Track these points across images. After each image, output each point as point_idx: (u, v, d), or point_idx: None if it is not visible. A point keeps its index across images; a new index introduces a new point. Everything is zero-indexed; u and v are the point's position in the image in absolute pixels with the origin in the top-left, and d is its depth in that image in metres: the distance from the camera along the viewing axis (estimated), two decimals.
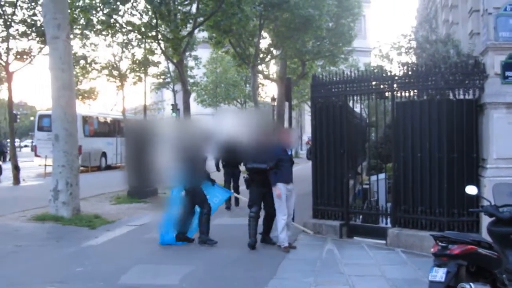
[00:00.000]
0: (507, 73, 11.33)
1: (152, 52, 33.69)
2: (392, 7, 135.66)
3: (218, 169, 17.11)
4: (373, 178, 15.30)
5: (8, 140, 33.56)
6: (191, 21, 25.31)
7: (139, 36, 29.23)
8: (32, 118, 68.37)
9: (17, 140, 63.41)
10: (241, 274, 9.74)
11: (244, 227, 11.91)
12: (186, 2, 25.19)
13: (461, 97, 11.70)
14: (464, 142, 11.53)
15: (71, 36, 20.69)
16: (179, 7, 25.18)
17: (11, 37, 25.34)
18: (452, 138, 11.52)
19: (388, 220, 12.88)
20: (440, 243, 6.65)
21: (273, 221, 12.02)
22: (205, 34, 30.60)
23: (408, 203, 12.09)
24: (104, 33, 29.77)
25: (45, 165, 29.18)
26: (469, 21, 14.42)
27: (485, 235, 8.01)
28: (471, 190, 8.17)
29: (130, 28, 26.90)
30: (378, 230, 12.78)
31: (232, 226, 13.81)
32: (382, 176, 15.25)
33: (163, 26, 25.84)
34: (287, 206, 11.61)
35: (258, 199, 11.79)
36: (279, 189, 11.47)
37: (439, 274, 6.47)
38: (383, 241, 12.30)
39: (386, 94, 12.91)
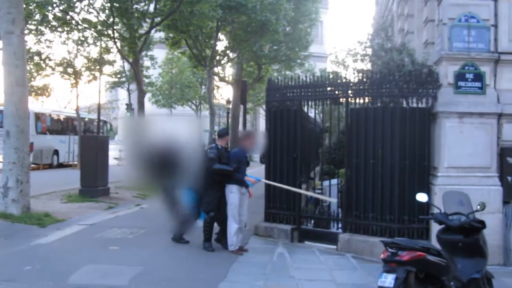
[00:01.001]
0: (460, 83, 11.55)
1: (107, 50, 33.40)
2: (349, 14, 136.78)
3: None
4: (326, 183, 15.41)
5: None
6: (148, 20, 25.13)
7: (95, 34, 28.90)
8: None
9: None
10: (191, 275, 9.69)
11: (197, 229, 11.89)
12: (144, 3, 24.98)
13: (415, 105, 11.87)
14: (416, 150, 11.69)
15: (26, 32, 20.34)
16: (137, 6, 24.94)
17: None
18: (404, 146, 11.67)
19: (340, 225, 12.99)
20: (390, 249, 6.74)
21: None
22: (161, 34, 30.43)
23: (359, 209, 12.20)
24: (59, 29, 29.31)
25: None
26: (424, 30, 14.62)
27: (434, 242, 8.11)
28: (421, 197, 8.31)
29: (86, 25, 26.58)
30: (329, 235, 12.88)
31: None
32: (334, 181, 15.37)
33: (119, 24, 25.59)
34: (240, 209, 11.60)
35: (217, 203, 11.65)
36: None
37: (388, 280, 6.55)
38: (334, 246, 12.40)
39: (341, 100, 13.03)
